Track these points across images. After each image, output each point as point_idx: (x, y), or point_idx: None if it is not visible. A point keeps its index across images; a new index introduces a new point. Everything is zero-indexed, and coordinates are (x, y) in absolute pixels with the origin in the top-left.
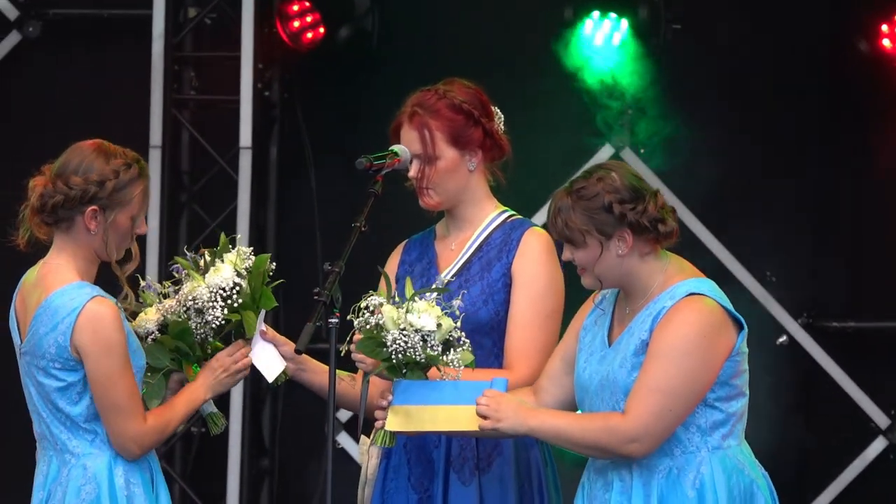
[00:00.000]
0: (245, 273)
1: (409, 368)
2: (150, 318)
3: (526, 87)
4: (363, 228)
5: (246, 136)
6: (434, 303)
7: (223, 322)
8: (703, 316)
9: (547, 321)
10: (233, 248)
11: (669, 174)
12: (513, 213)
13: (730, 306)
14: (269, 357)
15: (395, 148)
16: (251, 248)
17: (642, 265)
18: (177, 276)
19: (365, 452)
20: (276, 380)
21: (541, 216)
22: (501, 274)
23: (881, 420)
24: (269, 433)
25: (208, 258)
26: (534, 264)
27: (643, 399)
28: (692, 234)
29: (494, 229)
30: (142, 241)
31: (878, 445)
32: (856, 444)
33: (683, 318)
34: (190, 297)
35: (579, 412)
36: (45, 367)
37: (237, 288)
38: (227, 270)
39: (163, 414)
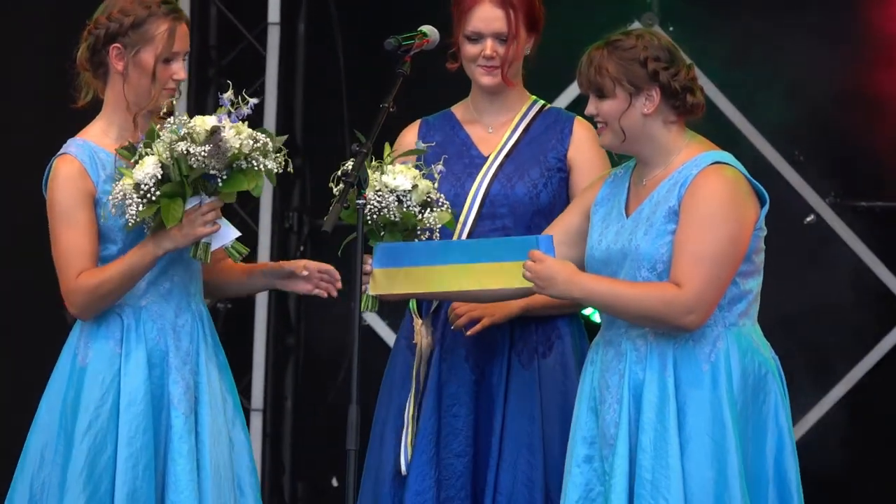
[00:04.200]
0: (182, 154)
1: (387, 230)
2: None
3: None
4: (391, 109)
5: (274, 11)
6: (412, 166)
7: (137, 219)
8: (730, 183)
9: None
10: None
11: (698, 55)
12: (543, 101)
13: (751, 178)
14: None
15: (424, 28)
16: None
17: (665, 132)
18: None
19: (419, 331)
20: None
21: (564, 99)
22: (557, 160)
23: None
24: (294, 310)
25: (142, 150)
26: (593, 153)
27: (692, 268)
28: (722, 114)
29: (535, 116)
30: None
31: None
32: (883, 323)
33: (714, 186)
34: (118, 193)
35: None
36: None
37: (156, 178)
38: (149, 164)
39: (95, 272)
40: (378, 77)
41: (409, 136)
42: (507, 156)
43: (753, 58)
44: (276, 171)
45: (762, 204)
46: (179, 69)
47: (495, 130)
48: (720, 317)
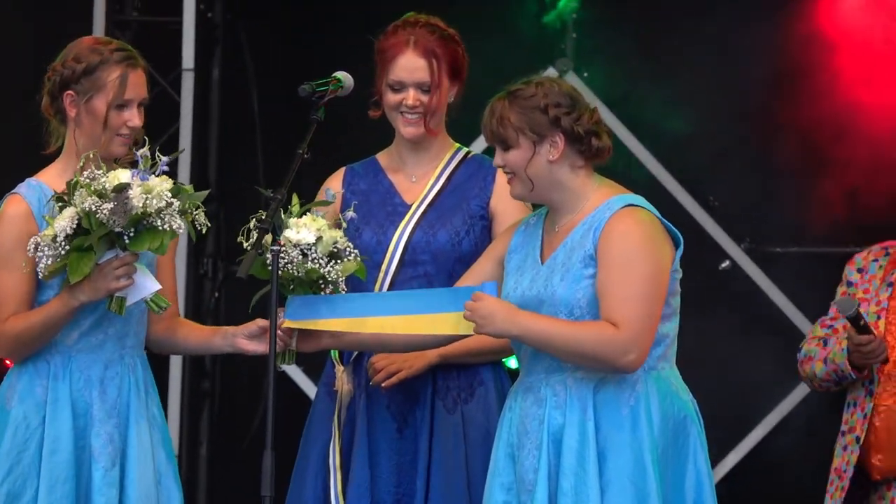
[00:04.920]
0: (92, 210)
1: (296, 284)
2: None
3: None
4: (305, 155)
5: (188, 57)
6: (316, 216)
7: (46, 273)
8: (644, 225)
9: None
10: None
11: (613, 99)
12: (467, 148)
13: (664, 220)
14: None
15: (338, 74)
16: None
17: (574, 178)
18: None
19: (340, 378)
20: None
21: (478, 146)
22: (480, 207)
23: None
24: (209, 355)
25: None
26: (515, 202)
27: (624, 309)
28: (636, 159)
29: (458, 164)
30: None
31: None
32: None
33: (627, 227)
34: (32, 244)
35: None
36: None
37: (66, 233)
38: (65, 217)
39: (21, 318)
40: (293, 123)
41: (335, 183)
42: (429, 205)
43: (670, 103)
44: (197, 228)
45: (676, 246)
46: (133, 116)
47: (419, 179)
48: None
